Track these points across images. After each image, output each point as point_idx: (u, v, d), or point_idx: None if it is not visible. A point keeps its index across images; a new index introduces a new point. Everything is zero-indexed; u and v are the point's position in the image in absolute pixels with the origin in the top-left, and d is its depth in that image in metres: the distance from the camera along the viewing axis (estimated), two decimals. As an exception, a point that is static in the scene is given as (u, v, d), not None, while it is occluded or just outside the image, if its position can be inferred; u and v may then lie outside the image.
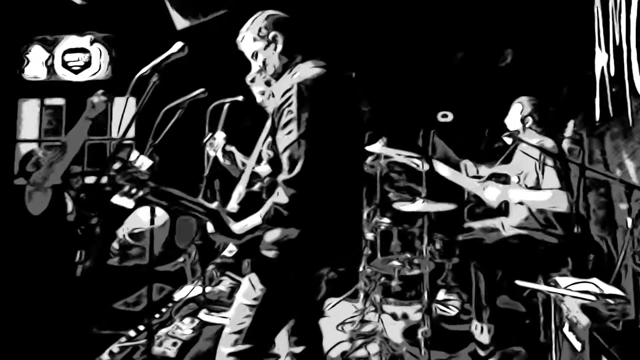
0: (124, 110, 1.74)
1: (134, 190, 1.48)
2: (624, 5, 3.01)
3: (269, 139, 1.68)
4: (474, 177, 3.18)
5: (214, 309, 3.39)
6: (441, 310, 3.54)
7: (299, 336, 1.90)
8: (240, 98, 2.45)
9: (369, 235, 3.70)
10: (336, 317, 3.43)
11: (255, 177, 1.80)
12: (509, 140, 3.02)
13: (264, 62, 1.80)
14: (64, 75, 6.14)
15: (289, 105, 1.58)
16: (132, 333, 3.10)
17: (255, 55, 1.82)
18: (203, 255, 4.09)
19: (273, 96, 1.76)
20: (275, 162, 1.66)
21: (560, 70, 4.24)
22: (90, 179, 5.18)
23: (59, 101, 6.14)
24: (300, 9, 1.92)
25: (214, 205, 1.61)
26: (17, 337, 3.06)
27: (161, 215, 4.55)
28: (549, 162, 2.79)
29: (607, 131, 3.47)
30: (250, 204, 1.66)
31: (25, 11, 5.68)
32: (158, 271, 4.10)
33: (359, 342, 3.02)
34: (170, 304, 3.59)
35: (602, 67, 3.49)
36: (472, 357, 2.86)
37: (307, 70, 1.71)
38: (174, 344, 2.93)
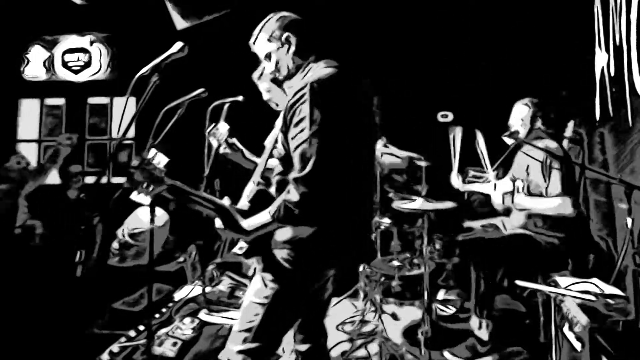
0: (124, 110, 1.74)
1: (151, 187, 1.50)
2: (624, 5, 3.01)
3: (281, 136, 1.68)
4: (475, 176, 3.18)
5: (214, 309, 3.38)
6: (440, 309, 3.54)
7: (304, 334, 1.91)
8: (240, 98, 2.45)
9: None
10: (336, 317, 3.43)
11: (267, 174, 1.81)
12: (509, 141, 3.02)
13: (277, 63, 1.81)
14: (64, 75, 6.15)
15: (302, 103, 1.58)
16: (132, 333, 3.10)
17: (268, 56, 1.83)
18: (203, 255, 4.09)
19: (286, 94, 1.77)
20: (286, 160, 1.67)
21: (560, 71, 4.25)
22: (90, 179, 5.20)
23: (59, 101, 6.15)
24: (300, 9, 1.91)
25: (225, 201, 1.62)
26: (17, 337, 3.06)
27: (161, 215, 4.55)
28: (556, 165, 2.78)
29: (608, 132, 3.47)
30: (261, 202, 1.67)
31: (25, 11, 5.68)
32: (158, 271, 4.10)
33: (359, 342, 3.02)
34: (170, 304, 3.59)
35: (602, 67, 3.49)
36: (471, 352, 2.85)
37: (320, 70, 1.72)
38: (174, 344, 2.92)
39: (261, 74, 1.93)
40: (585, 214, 3.68)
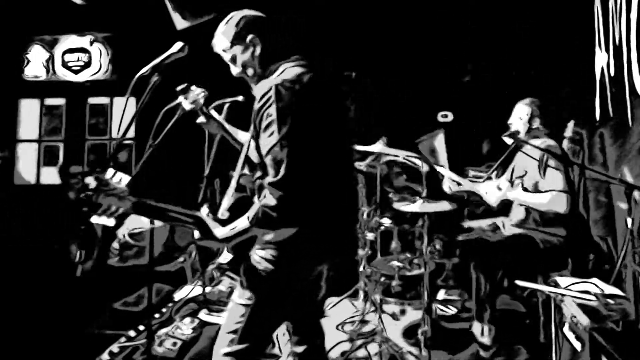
0: (124, 110, 1.73)
1: (113, 208, 1.48)
2: (624, 5, 3.01)
3: (252, 143, 1.66)
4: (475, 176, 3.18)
5: (214, 309, 3.38)
6: (441, 310, 3.54)
7: (300, 336, 1.90)
8: (240, 98, 2.45)
9: (369, 235, 3.70)
10: (336, 317, 3.42)
11: (244, 181, 1.79)
12: (509, 141, 3.02)
13: (243, 66, 1.77)
14: (64, 75, 6.14)
15: (268, 107, 1.56)
16: (132, 333, 3.10)
17: (234, 59, 1.78)
18: (203, 255, 4.09)
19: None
20: (263, 165, 1.64)
21: (560, 71, 4.24)
22: (90, 179, 5.19)
23: (59, 101, 6.14)
24: (300, 9, 1.91)
25: (201, 212, 1.61)
26: (18, 337, 3.06)
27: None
28: (552, 163, 2.79)
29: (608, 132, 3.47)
30: (241, 209, 1.65)
31: (25, 11, 5.68)
32: (158, 271, 4.10)
33: (359, 342, 3.02)
34: (170, 304, 3.59)
35: (602, 67, 3.49)
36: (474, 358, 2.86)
37: (288, 70, 1.68)
38: (174, 344, 2.92)
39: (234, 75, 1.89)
40: (585, 214, 3.68)
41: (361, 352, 2.94)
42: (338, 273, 1.86)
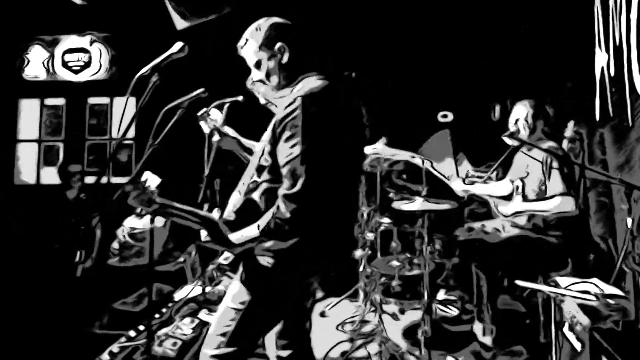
0: (124, 110, 1.73)
1: (144, 211, 1.52)
2: (624, 5, 3.01)
3: (268, 147, 1.66)
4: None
5: (214, 309, 3.38)
6: (442, 310, 3.54)
7: (287, 340, 1.89)
8: (240, 98, 2.45)
9: (369, 235, 3.70)
10: (336, 317, 3.43)
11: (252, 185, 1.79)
12: (509, 141, 3.02)
13: (267, 73, 1.76)
14: (64, 75, 6.14)
15: (293, 119, 1.56)
16: (132, 333, 3.10)
17: (258, 64, 1.77)
18: (203, 255, 4.09)
19: (276, 106, 1.74)
20: (273, 169, 1.65)
21: (560, 71, 4.24)
22: (90, 179, 5.19)
23: (59, 101, 6.14)
24: (300, 9, 1.91)
25: (213, 214, 1.61)
26: (18, 336, 3.06)
27: (161, 215, 4.54)
28: (555, 164, 2.79)
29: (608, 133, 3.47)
30: (246, 211, 1.66)
31: (25, 11, 5.68)
32: (158, 271, 4.10)
33: (359, 342, 3.02)
34: (170, 304, 3.59)
35: (602, 67, 3.49)
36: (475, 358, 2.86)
37: (312, 82, 1.68)
38: (174, 344, 2.92)
39: (254, 81, 1.90)
40: (585, 214, 3.68)
41: (361, 352, 2.94)
42: (338, 274, 1.86)
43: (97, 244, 4.50)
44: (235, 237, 1.60)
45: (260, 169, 1.72)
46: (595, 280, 2.21)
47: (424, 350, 2.73)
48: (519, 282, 2.35)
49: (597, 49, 3.59)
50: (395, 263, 3.40)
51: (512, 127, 3.06)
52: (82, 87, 6.10)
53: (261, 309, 1.67)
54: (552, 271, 2.75)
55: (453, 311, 3.54)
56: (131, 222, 4.42)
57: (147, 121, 1.80)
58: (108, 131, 6.09)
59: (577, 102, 3.96)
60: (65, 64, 6.14)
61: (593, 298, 2.02)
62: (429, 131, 4.89)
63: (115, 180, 5.79)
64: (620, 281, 2.58)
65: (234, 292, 1.71)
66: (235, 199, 1.74)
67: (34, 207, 5.24)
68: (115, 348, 2.92)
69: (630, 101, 2.98)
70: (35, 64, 6.16)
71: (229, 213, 1.70)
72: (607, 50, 3.38)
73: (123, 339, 3.02)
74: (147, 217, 3.97)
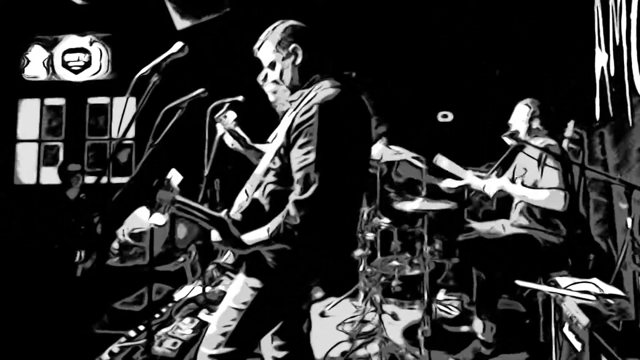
0: (124, 110, 1.73)
1: (167, 208, 1.53)
2: (624, 5, 3.01)
3: (280, 150, 1.66)
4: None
5: (214, 309, 3.38)
6: (442, 310, 3.54)
7: (283, 341, 1.89)
8: (240, 98, 2.45)
9: (369, 235, 3.70)
10: (336, 317, 3.43)
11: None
12: (509, 141, 3.02)
13: (281, 73, 1.78)
14: (64, 75, 6.15)
15: (309, 126, 1.57)
16: (132, 333, 3.10)
17: (272, 65, 1.80)
18: (203, 255, 4.09)
19: (283, 106, 1.76)
20: (281, 171, 1.66)
21: (560, 71, 4.25)
22: (90, 179, 5.20)
23: (59, 101, 6.15)
24: (300, 9, 1.91)
25: (223, 214, 1.61)
26: (18, 336, 3.06)
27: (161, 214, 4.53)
28: (550, 162, 2.79)
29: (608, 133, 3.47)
30: (252, 211, 1.67)
31: (25, 11, 5.68)
32: (158, 271, 4.10)
33: (359, 342, 3.02)
34: (170, 304, 3.59)
35: (602, 67, 3.49)
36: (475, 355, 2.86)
37: (326, 89, 1.68)
38: (174, 344, 2.92)
39: (266, 76, 1.92)
40: (585, 214, 3.68)
41: (361, 352, 2.94)
42: (337, 274, 1.86)
43: (97, 244, 4.50)
44: (245, 238, 1.60)
45: (267, 171, 1.73)
46: (595, 280, 2.21)
47: (424, 351, 2.73)
48: (519, 282, 2.35)
49: (597, 48, 3.60)
50: (394, 263, 3.40)
51: (512, 127, 3.07)
52: (82, 87, 6.10)
53: (263, 309, 1.67)
54: (552, 271, 2.75)
55: (453, 311, 3.54)
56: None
57: (147, 121, 1.80)
58: (108, 131, 6.09)
59: (577, 102, 3.97)
60: (65, 64, 6.14)
61: (593, 298, 2.02)
62: (429, 131, 4.89)
63: (115, 180, 5.80)
64: (620, 281, 2.58)
65: (235, 292, 1.71)
66: (242, 200, 1.74)
67: (34, 207, 5.24)
68: (115, 348, 2.92)
69: (630, 101, 2.98)
70: (35, 64, 6.16)
71: (235, 213, 1.70)
72: (607, 50, 3.38)
73: (123, 339, 3.02)
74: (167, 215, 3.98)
